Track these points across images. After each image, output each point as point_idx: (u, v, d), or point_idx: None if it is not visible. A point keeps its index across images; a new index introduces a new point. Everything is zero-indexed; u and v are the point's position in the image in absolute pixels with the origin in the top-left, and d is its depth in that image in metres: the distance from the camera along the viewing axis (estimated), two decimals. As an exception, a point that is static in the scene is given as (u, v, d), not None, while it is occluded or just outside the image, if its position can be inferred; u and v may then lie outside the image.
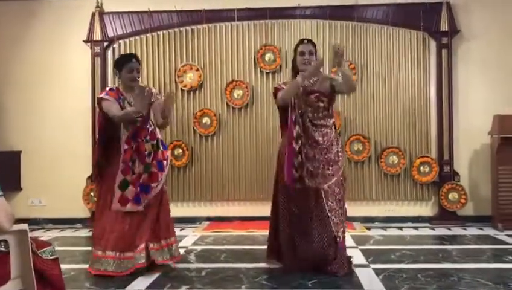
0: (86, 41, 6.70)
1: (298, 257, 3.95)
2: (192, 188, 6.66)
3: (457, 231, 5.97)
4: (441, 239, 5.56)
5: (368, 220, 6.40)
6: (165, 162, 4.20)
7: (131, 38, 6.74)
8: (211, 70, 6.69)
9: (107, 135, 4.14)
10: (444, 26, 6.44)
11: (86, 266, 4.15)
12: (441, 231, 5.98)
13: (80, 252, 4.98)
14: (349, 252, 4.18)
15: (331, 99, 4.08)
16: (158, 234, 4.10)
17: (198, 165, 6.65)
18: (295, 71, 4.14)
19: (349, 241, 4.88)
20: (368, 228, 6.06)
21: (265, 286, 3.66)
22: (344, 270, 3.88)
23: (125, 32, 6.73)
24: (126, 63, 4.13)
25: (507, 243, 5.13)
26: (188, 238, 5.58)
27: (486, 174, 6.33)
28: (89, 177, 6.60)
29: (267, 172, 6.50)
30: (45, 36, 6.83)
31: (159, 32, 6.72)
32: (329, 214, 3.87)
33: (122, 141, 4.06)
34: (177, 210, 6.33)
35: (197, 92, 6.68)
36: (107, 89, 4.38)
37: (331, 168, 3.95)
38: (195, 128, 6.63)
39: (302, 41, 4.18)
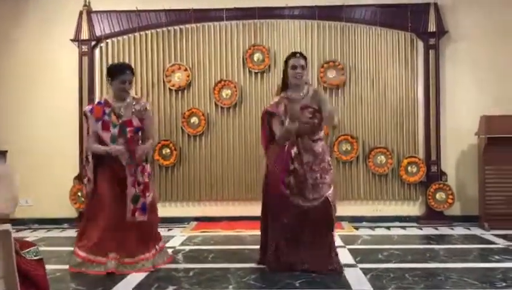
0: (73, 40, 6.64)
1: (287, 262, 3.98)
2: (180, 188, 6.64)
3: (444, 230, 6.00)
4: (428, 239, 5.58)
5: (355, 219, 6.42)
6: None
7: (119, 38, 6.71)
8: (199, 70, 6.67)
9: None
10: (432, 27, 6.48)
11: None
12: (428, 230, 6.00)
13: (67, 252, 4.92)
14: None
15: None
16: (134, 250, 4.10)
17: (186, 165, 6.63)
18: (285, 83, 4.15)
19: (337, 241, 4.88)
20: (356, 228, 6.08)
21: (253, 286, 3.65)
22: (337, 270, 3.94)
23: (113, 31, 6.69)
24: (119, 74, 4.12)
25: (494, 243, 5.16)
26: (176, 238, 5.55)
27: (473, 174, 6.37)
28: (76, 177, 6.55)
29: (255, 172, 6.51)
30: (33, 34, 6.76)
31: (147, 32, 6.69)
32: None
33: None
34: (165, 210, 6.31)
35: (186, 91, 6.66)
36: (95, 103, 4.37)
37: (327, 176, 4.01)
38: (183, 128, 6.60)
39: (294, 54, 4.16)
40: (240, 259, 4.48)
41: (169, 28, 6.68)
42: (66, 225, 6.56)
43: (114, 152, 4.03)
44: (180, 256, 4.67)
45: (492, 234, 5.60)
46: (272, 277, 3.82)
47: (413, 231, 6.03)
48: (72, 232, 6.12)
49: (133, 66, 6.46)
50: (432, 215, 6.41)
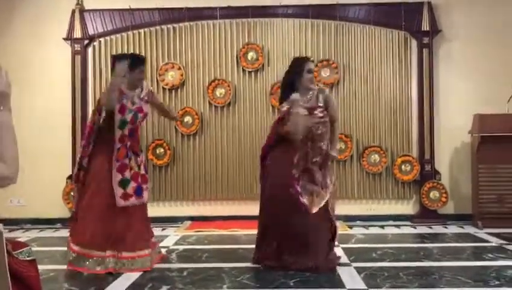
0: (66, 39, 6.60)
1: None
2: (174, 187, 6.61)
3: (438, 229, 6.02)
4: (422, 237, 5.59)
5: (349, 218, 6.41)
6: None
7: (112, 36, 6.67)
8: (192, 69, 6.65)
9: (96, 136, 4.16)
10: (425, 26, 6.49)
11: (66, 266, 4.10)
12: (422, 229, 6.02)
13: (60, 252, 4.90)
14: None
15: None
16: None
17: (180, 165, 6.61)
18: (290, 85, 4.21)
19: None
20: (350, 227, 6.08)
21: (247, 286, 3.65)
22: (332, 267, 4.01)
23: (106, 29, 6.66)
24: (140, 64, 4.28)
25: (487, 241, 5.18)
26: (170, 238, 5.53)
27: (466, 173, 6.39)
28: (69, 177, 6.51)
29: (249, 171, 6.50)
30: (24, 33, 6.70)
31: (140, 30, 6.66)
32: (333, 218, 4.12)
33: (116, 140, 4.10)
34: (158, 210, 6.31)
35: (179, 90, 6.64)
36: None
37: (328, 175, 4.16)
38: (177, 127, 6.58)
39: (308, 58, 4.34)
40: (234, 258, 4.47)
41: (162, 26, 6.66)
42: (59, 225, 6.52)
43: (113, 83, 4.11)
44: (174, 256, 4.65)
45: (486, 233, 5.62)
46: (266, 277, 3.82)
47: (407, 229, 6.04)
48: (65, 232, 6.08)
49: None
50: (426, 214, 6.42)
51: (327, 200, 4.05)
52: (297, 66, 4.22)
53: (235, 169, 6.59)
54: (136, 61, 4.26)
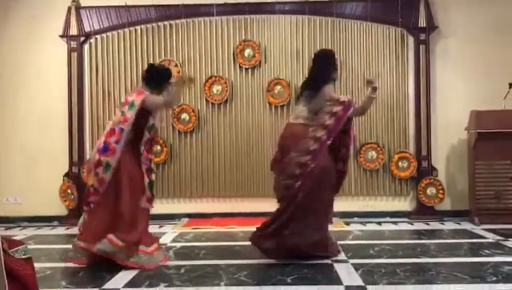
0: (62, 36, 6.58)
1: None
2: (171, 184, 6.61)
3: (435, 225, 6.02)
4: (419, 234, 5.60)
5: (346, 215, 6.41)
6: None
7: (108, 33, 6.65)
8: (189, 66, 6.63)
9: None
10: (422, 22, 6.48)
11: (63, 264, 4.11)
12: (419, 225, 6.03)
13: (57, 250, 4.90)
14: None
15: None
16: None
17: (177, 162, 6.60)
18: (330, 80, 4.40)
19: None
20: (347, 223, 6.09)
21: (245, 283, 3.64)
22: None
23: (102, 27, 6.64)
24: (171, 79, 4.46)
25: (484, 237, 5.19)
26: (167, 235, 5.53)
27: (463, 169, 6.39)
28: (65, 175, 6.51)
29: (246, 168, 6.51)
30: (20, 32, 6.67)
31: (136, 27, 6.64)
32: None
33: (142, 142, 4.21)
34: (156, 207, 6.18)
35: (167, 76, 6.59)
36: (137, 90, 4.42)
37: None
38: (174, 124, 6.57)
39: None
40: (232, 256, 4.47)
41: (159, 23, 6.64)
42: (56, 223, 6.50)
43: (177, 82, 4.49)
44: (171, 253, 4.64)
45: (483, 229, 5.63)
46: (264, 274, 3.82)
47: (404, 226, 6.04)
48: (62, 230, 6.09)
49: (122, 62, 6.57)
50: (423, 211, 6.43)
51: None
52: (333, 59, 4.45)
53: (232, 166, 6.58)
54: (169, 76, 4.45)
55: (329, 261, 4.12)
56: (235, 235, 5.48)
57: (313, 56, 4.68)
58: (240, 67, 6.61)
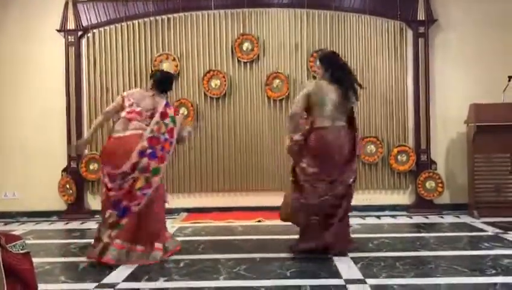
0: (59, 31, 6.55)
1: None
2: (170, 179, 6.59)
3: (434, 219, 6.02)
4: (418, 227, 5.60)
5: (346, 209, 6.41)
6: None
7: (106, 28, 6.62)
8: (187, 60, 6.61)
9: None
10: (421, 16, 6.46)
11: (62, 259, 4.10)
12: (418, 219, 6.02)
13: (56, 245, 4.89)
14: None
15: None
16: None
17: (176, 156, 6.58)
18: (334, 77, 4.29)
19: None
20: (346, 217, 6.08)
21: (244, 277, 3.64)
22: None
23: (99, 21, 6.60)
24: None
25: (483, 231, 5.19)
26: (166, 229, 5.52)
27: (462, 163, 6.39)
28: (64, 170, 6.50)
29: (245, 162, 6.50)
30: (17, 25, 6.64)
31: (134, 21, 6.61)
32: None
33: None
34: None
35: (174, 81, 6.58)
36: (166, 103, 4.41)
37: None
38: (172, 118, 6.54)
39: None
40: (231, 250, 4.46)
41: (156, 17, 6.61)
42: (55, 218, 6.50)
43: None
44: (170, 247, 4.62)
45: (482, 222, 5.63)
46: (263, 268, 3.82)
47: (403, 219, 6.04)
48: (61, 225, 6.08)
49: (120, 56, 6.54)
50: (422, 204, 6.43)
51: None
52: (338, 58, 4.34)
53: (231, 160, 6.57)
54: (172, 82, 4.71)
55: (328, 255, 4.12)
56: (234, 230, 5.47)
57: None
58: (239, 61, 6.59)
